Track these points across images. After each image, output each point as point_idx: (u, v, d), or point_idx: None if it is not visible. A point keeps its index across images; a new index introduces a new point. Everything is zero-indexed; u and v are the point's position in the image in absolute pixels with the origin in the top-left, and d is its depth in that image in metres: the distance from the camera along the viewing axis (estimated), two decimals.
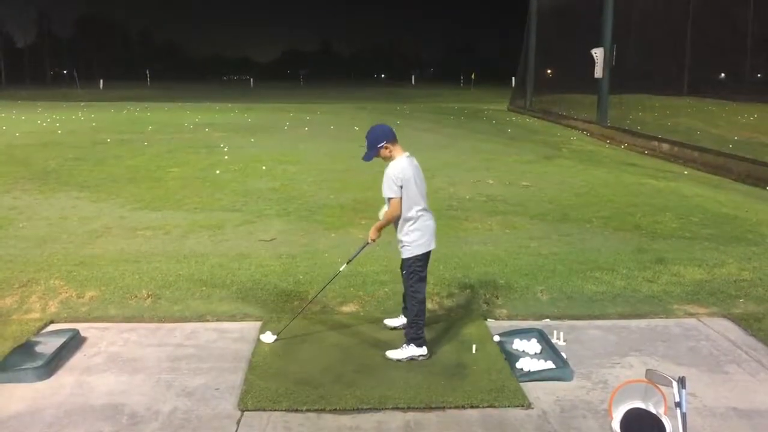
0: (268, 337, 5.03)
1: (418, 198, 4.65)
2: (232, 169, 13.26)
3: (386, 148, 4.67)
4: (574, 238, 7.99)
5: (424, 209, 4.70)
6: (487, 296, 6.04)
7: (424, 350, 4.73)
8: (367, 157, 4.79)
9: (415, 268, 4.74)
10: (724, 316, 5.68)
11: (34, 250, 7.33)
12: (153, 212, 9.37)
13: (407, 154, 4.74)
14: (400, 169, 4.60)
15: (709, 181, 12.79)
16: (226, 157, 15.01)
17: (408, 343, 4.74)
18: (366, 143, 4.75)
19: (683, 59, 22.53)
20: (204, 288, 6.16)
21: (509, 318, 5.72)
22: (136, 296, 5.97)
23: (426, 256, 4.78)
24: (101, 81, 69.91)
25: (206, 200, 10.19)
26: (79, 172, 12.84)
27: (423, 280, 4.80)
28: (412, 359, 4.70)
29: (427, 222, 4.73)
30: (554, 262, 6.91)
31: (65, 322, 5.50)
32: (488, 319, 5.63)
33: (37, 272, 6.44)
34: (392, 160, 4.69)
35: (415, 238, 4.68)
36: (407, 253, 4.73)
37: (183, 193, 10.68)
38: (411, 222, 4.67)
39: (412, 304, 4.79)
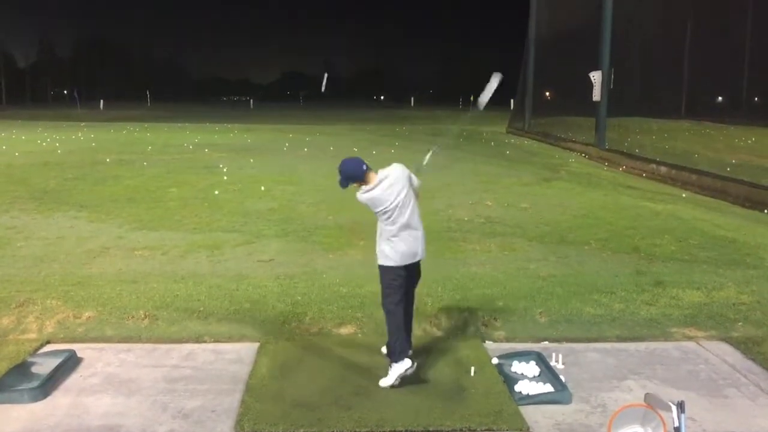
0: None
1: (391, 220, 4.68)
2: (231, 189, 13.28)
3: (357, 186, 4.73)
4: (572, 261, 7.99)
5: (399, 229, 4.68)
6: (486, 318, 6.02)
7: (407, 363, 4.63)
8: (343, 186, 4.82)
9: (384, 279, 4.78)
10: (723, 340, 5.67)
11: (32, 270, 7.32)
12: (151, 232, 9.36)
13: (382, 177, 4.69)
14: (366, 199, 4.68)
15: (708, 204, 12.82)
16: (225, 177, 15.04)
17: (390, 364, 4.71)
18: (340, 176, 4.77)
19: (681, 83, 22.74)
20: (201, 309, 6.14)
21: (508, 340, 5.70)
22: (133, 317, 5.94)
23: (393, 270, 4.74)
24: (102, 101, 70.28)
25: (205, 221, 10.19)
26: (77, 191, 12.86)
27: (392, 293, 4.76)
28: (402, 377, 4.64)
29: (400, 243, 4.71)
30: (553, 285, 6.90)
31: (62, 342, 5.48)
32: (487, 341, 5.61)
33: (34, 292, 6.42)
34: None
35: (384, 250, 4.74)
36: (378, 260, 4.81)
37: (181, 214, 10.68)
38: (385, 235, 4.73)
39: (386, 317, 4.81)
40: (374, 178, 4.67)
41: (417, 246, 4.76)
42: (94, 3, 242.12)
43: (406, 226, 4.69)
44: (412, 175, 4.78)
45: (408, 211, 4.68)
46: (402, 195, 4.64)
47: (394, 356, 4.67)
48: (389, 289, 4.77)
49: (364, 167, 4.68)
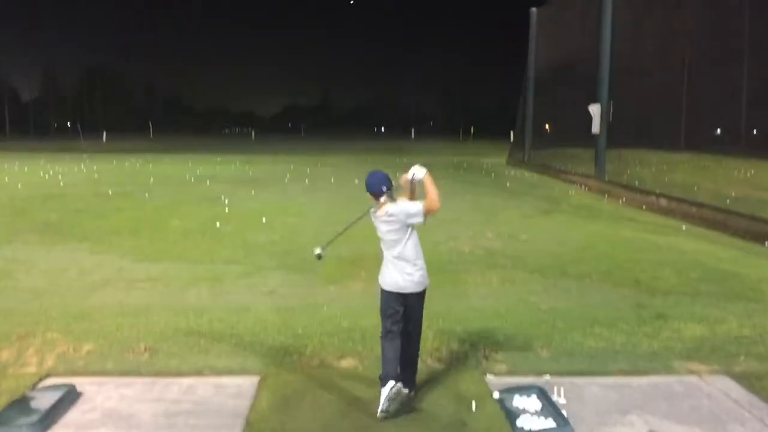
0: (320, 250, 5.09)
1: (386, 247, 4.90)
2: (233, 221, 13.33)
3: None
4: (573, 293, 7.99)
5: (393, 257, 4.85)
6: (487, 352, 6.00)
7: (390, 383, 4.66)
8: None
9: (380, 302, 4.92)
10: (726, 374, 5.63)
11: (33, 303, 7.32)
12: (153, 264, 9.38)
13: (388, 208, 4.83)
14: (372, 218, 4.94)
15: (708, 236, 12.83)
16: (226, 209, 15.10)
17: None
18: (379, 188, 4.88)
19: (679, 115, 22.92)
20: (202, 342, 6.13)
21: (509, 374, 5.66)
22: (133, 350, 5.93)
23: (384, 294, 4.89)
24: (104, 133, 70.72)
25: (206, 252, 10.22)
26: (79, 223, 12.90)
27: (384, 320, 4.88)
28: (390, 399, 4.63)
29: (391, 270, 4.86)
30: (554, 317, 6.89)
31: (62, 376, 5.45)
32: (488, 375, 5.58)
33: (34, 325, 6.42)
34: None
35: (381, 270, 4.94)
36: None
37: (183, 246, 10.71)
38: (384, 257, 4.93)
39: None
40: (385, 204, 4.83)
41: (405, 280, 4.82)
42: (97, 35, 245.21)
43: (399, 258, 4.83)
44: (412, 217, 4.78)
45: (400, 247, 4.82)
46: (391, 235, 4.82)
47: (382, 382, 4.73)
48: (382, 314, 4.91)
49: (383, 188, 4.83)
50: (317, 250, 5.05)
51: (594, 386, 5.40)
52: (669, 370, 5.74)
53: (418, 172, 4.84)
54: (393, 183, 4.91)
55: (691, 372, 5.71)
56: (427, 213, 4.75)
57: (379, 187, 4.84)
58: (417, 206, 4.76)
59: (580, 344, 6.20)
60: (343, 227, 5.43)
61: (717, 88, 20.45)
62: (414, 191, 4.99)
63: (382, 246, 4.93)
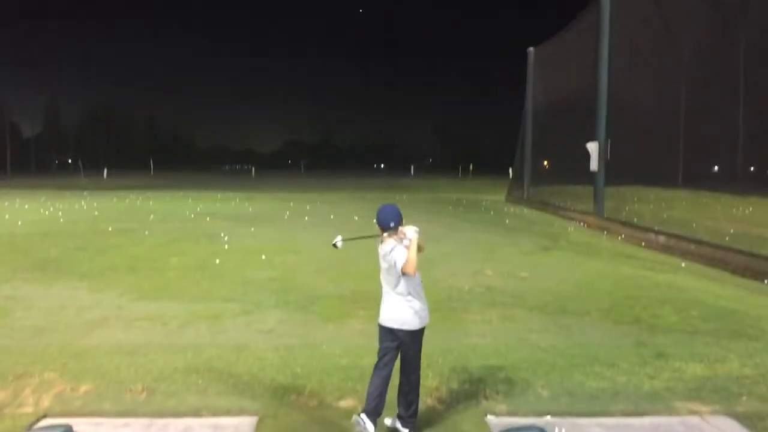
0: (339, 242, 5.23)
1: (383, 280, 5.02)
2: (232, 258, 13.33)
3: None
4: (573, 331, 7.95)
5: (388, 290, 4.96)
6: (487, 391, 5.96)
7: (362, 417, 4.80)
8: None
9: None
10: (728, 414, 5.58)
11: (31, 341, 7.29)
12: (151, 302, 9.36)
13: (385, 243, 4.96)
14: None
15: (707, 273, 12.82)
16: (226, 246, 15.11)
17: None
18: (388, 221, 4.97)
19: (677, 152, 23.06)
20: (200, 381, 6.08)
21: (510, 414, 5.61)
22: (130, 390, 5.89)
23: (379, 328, 5.00)
24: (105, 170, 71.14)
25: (205, 290, 10.20)
26: (79, 261, 12.89)
27: (378, 352, 5.00)
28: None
29: (385, 302, 4.98)
30: (554, 356, 6.86)
31: (58, 416, 5.40)
32: (488, 416, 5.53)
33: (32, 364, 6.38)
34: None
35: (381, 305, 5.02)
36: None
37: (182, 283, 10.69)
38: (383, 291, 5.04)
39: None
40: (388, 239, 4.93)
41: (397, 315, 4.89)
42: (100, 73, 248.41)
43: (394, 293, 4.92)
44: (398, 260, 4.80)
45: (394, 282, 4.90)
46: (387, 271, 4.93)
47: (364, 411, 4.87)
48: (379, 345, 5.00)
49: (391, 224, 4.92)
50: (337, 241, 5.28)
51: (596, 427, 5.35)
52: (671, 411, 5.70)
53: (410, 232, 4.88)
54: (402, 220, 4.98)
55: (693, 412, 5.66)
56: (403, 273, 4.81)
57: (388, 222, 4.92)
58: (401, 262, 4.80)
59: (581, 384, 6.16)
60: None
61: (714, 125, 20.61)
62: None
63: (381, 278, 5.03)
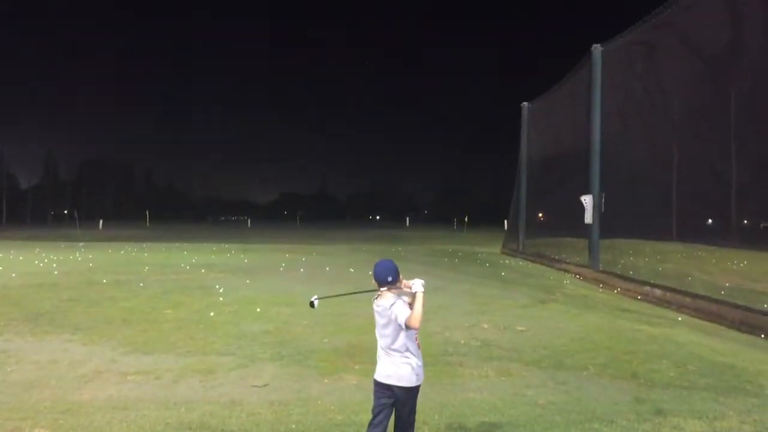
0: (316, 301, 5.18)
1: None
2: (227, 311, 13.25)
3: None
4: (570, 386, 7.88)
5: (383, 346, 4.92)
6: None
7: None
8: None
9: None
10: None
11: (21, 396, 7.18)
12: (145, 356, 9.26)
13: (380, 301, 4.94)
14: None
15: (704, 327, 12.79)
16: (221, 298, 15.04)
17: None
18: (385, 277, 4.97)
19: (671, 206, 23.25)
20: None
21: None
22: None
23: (374, 383, 4.95)
24: (101, 221, 71.17)
25: (199, 343, 10.11)
26: (72, 313, 12.80)
27: (373, 409, 4.93)
28: None
29: (381, 359, 4.94)
30: (552, 412, 6.79)
31: None
32: None
33: (22, 420, 6.28)
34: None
35: (377, 360, 4.98)
36: None
37: (176, 336, 10.61)
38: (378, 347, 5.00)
39: None
40: (385, 294, 4.91)
41: (393, 372, 4.84)
42: (97, 125, 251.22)
43: (389, 349, 4.88)
44: (400, 315, 4.78)
45: (390, 339, 4.86)
46: (383, 327, 4.89)
47: None
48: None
49: (388, 279, 4.90)
50: (314, 300, 5.19)
51: None
52: None
53: (416, 285, 4.86)
54: (400, 275, 4.97)
55: None
56: (407, 327, 4.77)
57: (385, 277, 4.91)
58: (403, 316, 4.77)
59: None
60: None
61: (707, 179, 20.84)
62: (412, 298, 5.00)
63: (377, 334, 4.98)
